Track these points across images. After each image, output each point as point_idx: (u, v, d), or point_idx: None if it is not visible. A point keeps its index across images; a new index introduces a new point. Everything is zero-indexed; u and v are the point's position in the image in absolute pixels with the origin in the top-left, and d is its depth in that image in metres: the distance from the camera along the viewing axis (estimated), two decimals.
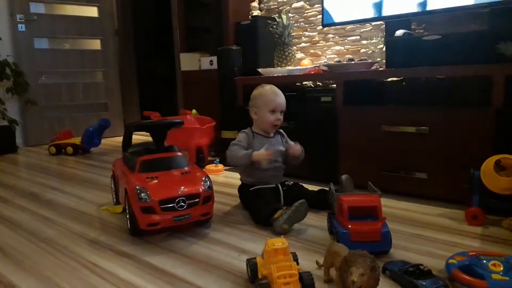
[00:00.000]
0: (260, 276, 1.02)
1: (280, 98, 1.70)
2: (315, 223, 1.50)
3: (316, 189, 1.74)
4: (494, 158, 1.41)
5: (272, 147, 1.68)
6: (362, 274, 0.87)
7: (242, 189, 1.75)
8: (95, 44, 4.20)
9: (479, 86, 1.58)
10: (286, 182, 1.75)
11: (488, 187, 1.40)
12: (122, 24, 4.42)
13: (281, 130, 1.79)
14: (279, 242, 1.02)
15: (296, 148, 1.69)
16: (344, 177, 1.47)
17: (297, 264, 1.02)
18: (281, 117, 1.71)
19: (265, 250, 1.04)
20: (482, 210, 1.43)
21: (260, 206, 1.54)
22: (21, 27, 3.64)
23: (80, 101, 4.08)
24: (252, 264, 1.06)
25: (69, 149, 3.22)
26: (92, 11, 4.13)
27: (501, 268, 0.97)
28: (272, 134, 1.75)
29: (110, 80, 4.25)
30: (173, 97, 4.05)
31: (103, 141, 3.50)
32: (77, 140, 3.28)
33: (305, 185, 1.79)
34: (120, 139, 1.85)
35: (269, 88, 1.72)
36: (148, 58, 4.88)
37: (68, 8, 4.09)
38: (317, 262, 1.15)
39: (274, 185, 1.69)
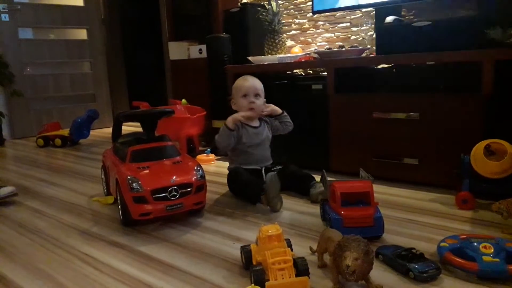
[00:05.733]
0: (254, 263, 1.02)
1: (249, 82, 1.73)
2: (308, 209, 1.51)
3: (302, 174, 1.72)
4: (484, 143, 1.42)
5: (257, 137, 1.72)
6: (356, 259, 0.88)
7: (228, 176, 1.77)
8: (81, 34, 4.12)
9: (469, 72, 1.58)
10: (274, 168, 1.73)
11: (478, 171, 1.41)
12: (108, 13, 4.33)
13: (267, 119, 1.79)
14: (273, 229, 1.02)
15: (271, 107, 1.76)
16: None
17: (291, 250, 1.02)
18: (257, 101, 1.71)
19: (259, 237, 1.04)
20: (472, 194, 1.45)
21: (243, 185, 1.61)
22: (5, 17, 3.56)
23: (68, 92, 4.01)
24: (246, 251, 1.06)
25: (58, 141, 3.17)
26: (77, 0, 4.04)
27: (492, 250, 0.99)
28: (258, 124, 1.76)
29: (98, 70, 4.19)
30: (162, 87, 4.01)
31: (92, 132, 3.46)
32: (65, 132, 3.23)
33: None
34: (109, 130, 1.83)
35: (241, 77, 1.77)
36: (136, 47, 4.80)
37: None
38: (310, 248, 1.16)
39: (257, 167, 1.72)
